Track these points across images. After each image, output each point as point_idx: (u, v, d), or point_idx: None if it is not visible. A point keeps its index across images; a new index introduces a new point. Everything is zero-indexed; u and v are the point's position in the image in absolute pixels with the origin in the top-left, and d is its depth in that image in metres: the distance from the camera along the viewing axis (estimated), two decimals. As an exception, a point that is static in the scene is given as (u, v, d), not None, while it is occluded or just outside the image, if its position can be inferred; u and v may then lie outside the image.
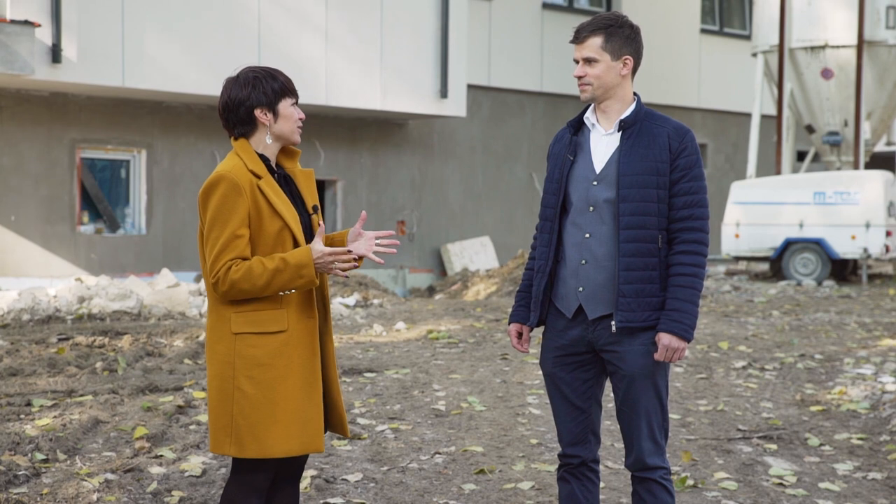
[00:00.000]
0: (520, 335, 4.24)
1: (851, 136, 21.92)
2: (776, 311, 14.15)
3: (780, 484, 5.92)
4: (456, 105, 18.22)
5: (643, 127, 4.00)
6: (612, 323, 3.95)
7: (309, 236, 3.81)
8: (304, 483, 5.55)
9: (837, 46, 21.44)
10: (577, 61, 4.02)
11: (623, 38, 3.98)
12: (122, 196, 16.59)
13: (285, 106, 3.77)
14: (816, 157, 24.15)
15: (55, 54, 13.98)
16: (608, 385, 4.39)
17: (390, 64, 17.35)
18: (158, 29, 14.93)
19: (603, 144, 4.04)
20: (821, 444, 6.78)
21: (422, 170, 19.87)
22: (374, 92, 17.21)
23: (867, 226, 18.52)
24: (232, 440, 3.67)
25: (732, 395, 8.20)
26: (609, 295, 3.97)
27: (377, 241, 3.85)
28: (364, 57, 17.05)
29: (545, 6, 21.81)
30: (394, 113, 18.07)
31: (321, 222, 3.82)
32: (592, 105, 4.09)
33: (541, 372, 4.25)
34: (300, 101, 3.84)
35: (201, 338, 10.03)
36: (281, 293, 3.70)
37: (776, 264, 19.47)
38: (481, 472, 5.89)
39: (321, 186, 18.78)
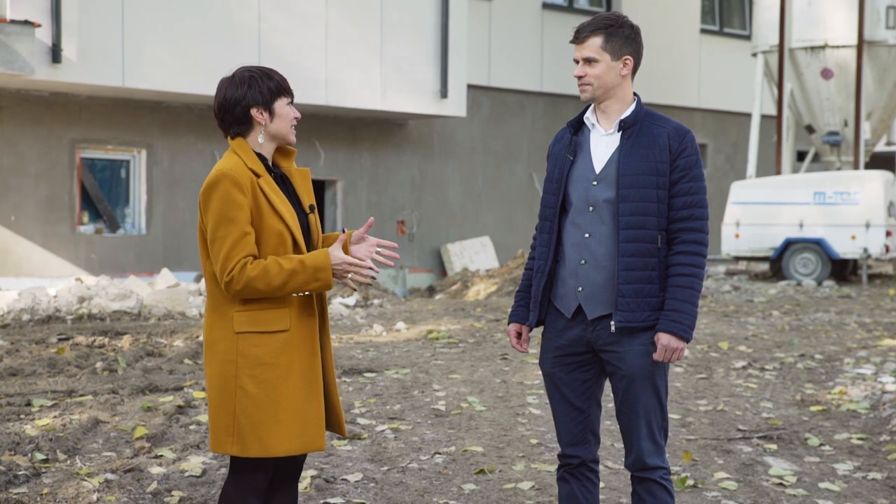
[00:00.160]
0: (519, 335, 4.24)
1: (851, 136, 21.92)
2: (776, 311, 14.15)
3: (780, 484, 5.93)
4: (456, 105, 18.22)
5: (643, 127, 4.00)
6: (612, 323, 3.95)
7: (306, 236, 3.81)
8: (304, 483, 5.55)
9: (837, 46, 21.45)
10: (577, 61, 4.02)
11: (623, 38, 3.98)
12: (122, 196, 16.59)
13: (281, 105, 3.77)
14: (816, 157, 24.15)
15: (55, 54, 13.98)
16: (608, 385, 4.39)
17: (390, 64, 17.35)
18: (158, 29, 14.93)
19: (603, 144, 4.04)
20: (821, 444, 6.78)
21: (422, 170, 19.88)
22: (374, 92, 17.21)
23: (867, 226, 18.52)
24: (234, 439, 3.67)
25: (732, 395, 8.20)
26: (608, 295, 3.97)
27: (378, 251, 3.84)
28: (364, 57, 17.05)
29: (545, 6, 21.81)
30: (394, 113, 18.07)
31: (345, 229, 3.82)
32: (592, 105, 4.09)
33: (540, 372, 4.24)
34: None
35: (201, 338, 10.03)
36: (294, 294, 3.70)
37: (776, 264, 19.47)
38: (481, 472, 5.90)
39: (321, 186, 18.78)
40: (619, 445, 6.39)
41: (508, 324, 4.27)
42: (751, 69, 23.55)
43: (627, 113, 4.02)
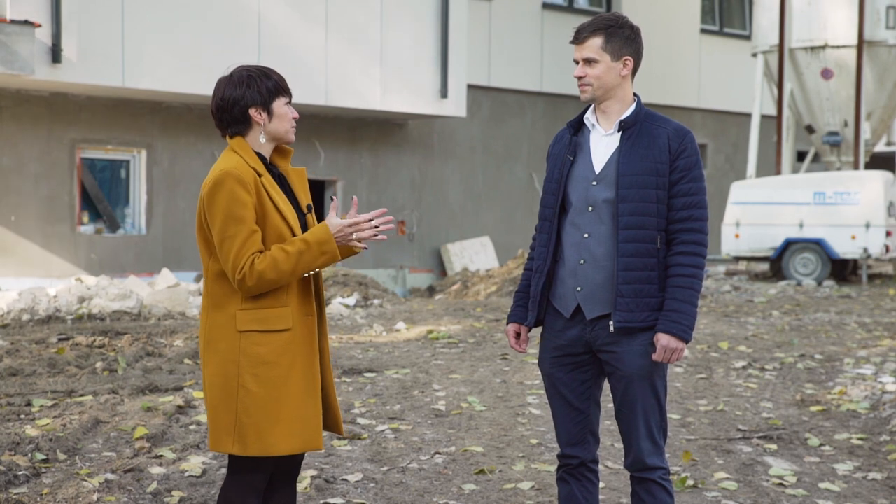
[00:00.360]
0: (518, 335, 4.24)
1: (851, 136, 21.92)
2: (776, 311, 14.15)
3: (780, 484, 5.93)
4: (456, 105, 18.22)
5: (643, 128, 4.00)
6: (611, 323, 3.95)
7: None
8: (304, 483, 5.56)
9: (837, 46, 21.45)
10: (577, 62, 4.02)
11: (623, 38, 3.98)
12: (122, 196, 16.59)
13: (279, 105, 3.77)
14: (816, 157, 24.15)
15: (55, 54, 13.98)
16: (607, 385, 4.38)
17: (390, 64, 17.35)
18: (158, 29, 14.93)
19: (603, 145, 4.04)
20: (821, 445, 6.78)
21: (422, 170, 19.88)
22: (374, 92, 17.21)
23: (867, 226, 18.52)
24: (235, 439, 3.67)
25: (732, 395, 8.20)
26: (607, 295, 3.97)
27: (373, 220, 3.79)
28: (364, 57, 17.05)
29: (545, 6, 21.81)
30: (394, 113, 18.07)
31: (333, 197, 3.82)
32: (592, 105, 4.09)
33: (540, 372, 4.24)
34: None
35: (201, 337, 10.02)
36: (305, 275, 3.70)
37: (776, 264, 19.47)
38: (481, 472, 5.90)
39: (321, 186, 18.79)
40: (619, 445, 6.39)
41: (507, 324, 4.27)
42: (751, 69, 23.55)
43: (627, 113, 4.02)
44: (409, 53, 17.60)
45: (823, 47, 21.52)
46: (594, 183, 4.00)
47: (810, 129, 22.41)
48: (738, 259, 19.94)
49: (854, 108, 21.53)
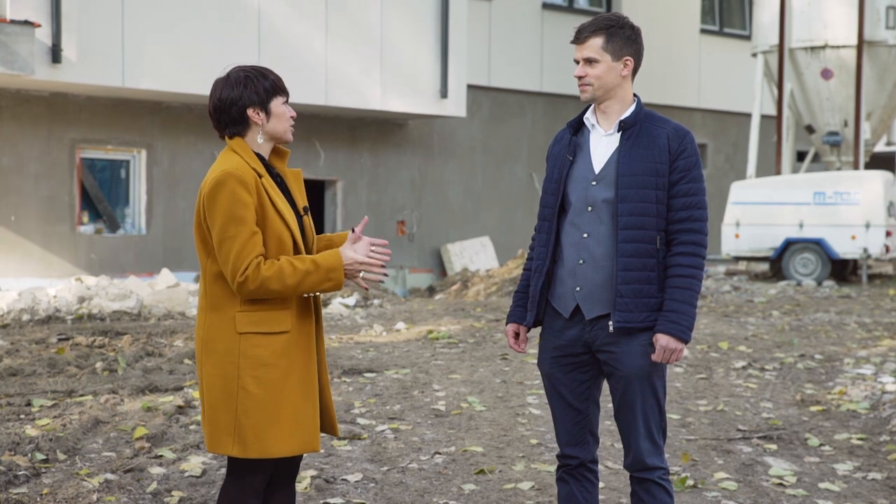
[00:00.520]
0: (517, 335, 4.24)
1: (851, 136, 21.92)
2: (776, 311, 14.15)
3: (780, 484, 5.93)
4: (456, 105, 18.22)
5: (643, 128, 4.00)
6: (610, 323, 3.95)
7: (302, 238, 3.80)
8: (304, 483, 5.56)
9: (837, 46, 21.45)
10: (577, 62, 4.02)
11: (624, 38, 3.98)
12: (122, 196, 16.59)
13: (277, 104, 3.76)
14: (816, 157, 24.15)
15: (55, 54, 13.98)
16: (607, 385, 4.38)
17: (390, 64, 17.35)
18: (158, 29, 14.93)
19: (602, 145, 4.04)
20: (821, 445, 6.78)
21: (422, 170, 19.88)
22: (374, 92, 17.22)
23: (867, 226, 18.52)
24: (234, 440, 3.66)
25: (732, 395, 8.20)
26: (607, 295, 3.97)
27: (372, 249, 3.82)
28: (364, 57, 17.05)
29: (545, 6, 21.81)
30: (394, 113, 18.07)
31: (354, 230, 3.81)
32: (592, 106, 4.09)
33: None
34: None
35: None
36: (305, 295, 3.70)
37: (776, 264, 19.47)
38: (481, 472, 5.90)
39: (321, 186, 18.79)
40: (619, 445, 6.39)
41: (506, 324, 4.27)
42: (751, 69, 23.55)
43: (627, 113, 4.02)
44: (409, 53, 17.60)
45: (823, 47, 21.52)
46: (594, 183, 4.00)
47: (810, 129, 22.41)
48: (738, 259, 19.94)
49: (854, 108, 21.53)
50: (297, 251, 3.73)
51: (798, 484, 5.94)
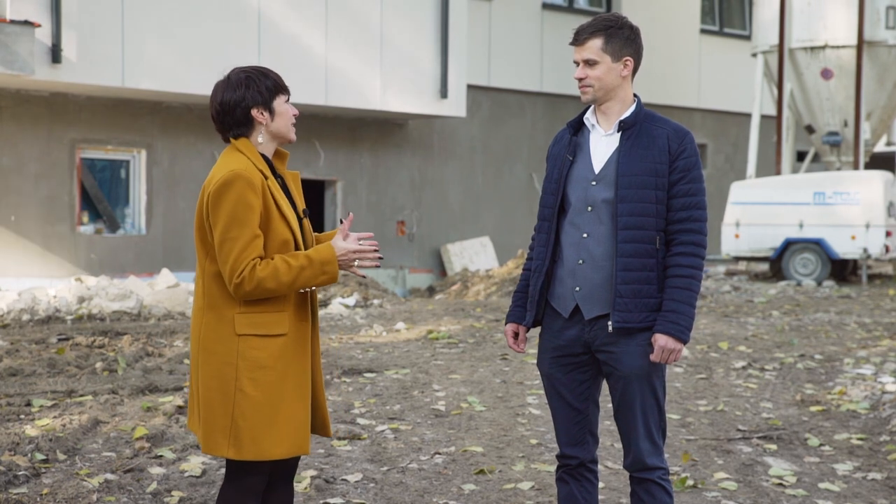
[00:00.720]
0: (516, 335, 4.24)
1: (851, 136, 21.92)
2: (776, 311, 14.15)
3: (780, 484, 5.93)
4: (456, 105, 18.22)
5: (643, 128, 4.00)
6: (609, 323, 3.95)
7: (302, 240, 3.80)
8: (304, 483, 5.56)
9: (837, 46, 21.45)
10: (577, 63, 4.02)
11: (623, 39, 3.97)
12: (121, 196, 16.59)
13: (280, 103, 3.76)
14: (816, 157, 24.15)
15: (55, 54, 13.98)
16: (606, 385, 4.38)
17: (390, 64, 17.35)
18: (158, 29, 14.94)
19: (602, 145, 4.04)
20: (821, 445, 6.78)
21: (422, 170, 19.88)
22: (374, 92, 17.22)
23: (867, 226, 18.52)
24: (230, 442, 3.66)
25: (732, 395, 8.20)
26: (606, 295, 3.97)
27: (360, 242, 3.82)
28: (364, 57, 17.05)
29: (545, 6, 21.81)
30: (394, 113, 18.07)
31: (343, 220, 3.81)
32: (592, 106, 4.09)
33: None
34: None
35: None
36: (301, 290, 3.70)
37: (776, 264, 19.47)
38: (481, 472, 5.90)
39: (321, 186, 18.79)
40: (619, 445, 6.39)
41: (505, 324, 4.27)
42: (751, 69, 23.55)
43: (627, 114, 4.02)
44: (409, 53, 17.60)
45: (823, 47, 21.52)
46: (593, 183, 4.00)
47: (810, 129, 22.41)
48: (738, 259, 19.94)
49: (854, 108, 21.53)
50: (297, 253, 3.73)
51: (798, 484, 5.94)
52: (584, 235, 4.00)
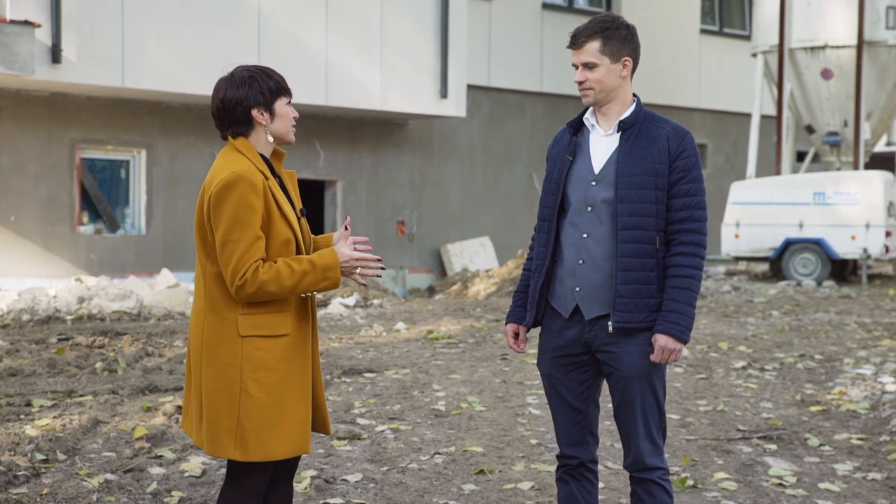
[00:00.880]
0: (516, 335, 4.24)
1: (851, 137, 21.92)
2: (776, 311, 14.15)
3: (780, 484, 5.93)
4: (456, 105, 18.22)
5: (642, 128, 4.00)
6: (609, 323, 3.95)
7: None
8: (304, 483, 5.56)
9: (837, 46, 21.45)
10: (575, 66, 4.01)
11: (620, 39, 3.97)
12: (121, 196, 16.59)
13: (281, 105, 3.75)
14: (816, 158, 24.15)
15: (55, 54, 13.98)
16: (606, 385, 4.38)
17: (390, 64, 17.36)
18: (158, 29, 14.94)
19: (602, 145, 4.04)
20: (821, 445, 6.78)
21: (422, 170, 19.88)
22: (374, 92, 17.22)
23: (867, 226, 18.52)
24: (236, 444, 3.65)
25: (732, 395, 8.20)
26: (606, 295, 3.97)
27: (357, 246, 3.82)
28: (364, 57, 17.05)
29: (545, 6, 21.81)
30: (394, 113, 18.07)
31: (347, 226, 3.81)
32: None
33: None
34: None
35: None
36: (302, 295, 3.70)
37: (776, 264, 19.47)
38: (481, 472, 5.90)
39: (321, 187, 18.78)
40: (619, 445, 6.39)
41: (506, 324, 4.27)
42: (751, 69, 23.55)
43: (627, 114, 4.02)
44: (409, 53, 17.61)
45: (823, 47, 21.51)
46: (593, 183, 4.00)
47: (810, 129, 22.41)
48: (737, 259, 19.93)
49: (854, 108, 21.53)
50: (298, 253, 3.73)
51: (798, 484, 5.94)
52: (584, 236, 4.00)
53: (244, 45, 15.63)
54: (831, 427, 7.27)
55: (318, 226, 18.18)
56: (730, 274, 21.21)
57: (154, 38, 14.92)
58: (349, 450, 6.26)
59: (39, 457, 5.82)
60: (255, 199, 3.59)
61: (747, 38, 25.34)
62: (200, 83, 15.06)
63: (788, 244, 19.07)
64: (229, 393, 3.65)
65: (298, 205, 3.86)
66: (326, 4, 16.66)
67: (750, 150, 22.22)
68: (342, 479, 5.70)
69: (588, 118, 4.09)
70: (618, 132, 4.01)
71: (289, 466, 3.91)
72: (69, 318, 11.66)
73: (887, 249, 18.56)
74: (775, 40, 21.71)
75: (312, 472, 5.73)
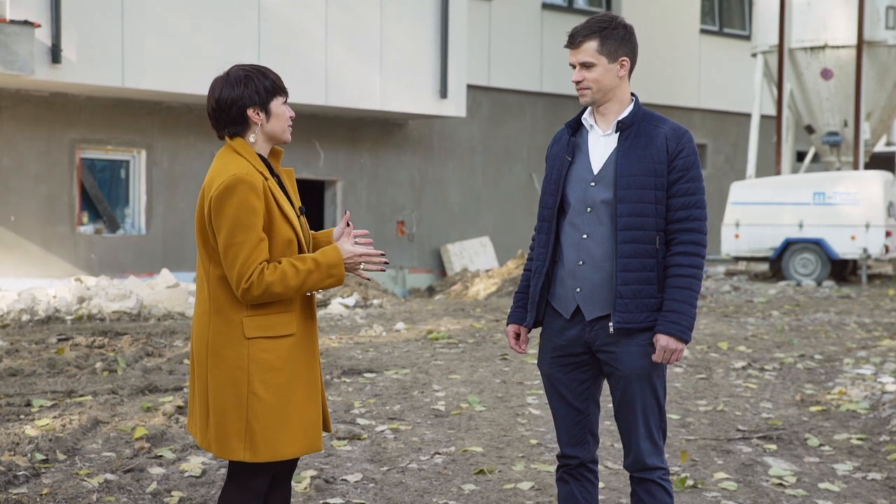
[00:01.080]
0: (517, 336, 4.24)
1: (851, 137, 21.92)
2: (776, 311, 14.15)
3: (780, 484, 5.93)
4: (456, 105, 18.22)
5: (641, 128, 4.00)
6: (610, 324, 3.95)
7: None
8: (304, 483, 5.56)
9: (837, 46, 21.45)
10: (573, 66, 4.01)
11: (618, 39, 3.97)
12: (121, 196, 16.59)
13: (277, 104, 3.74)
14: (816, 157, 24.15)
15: (55, 54, 13.98)
16: (607, 385, 4.38)
17: (390, 64, 17.36)
18: (158, 29, 14.93)
19: (601, 145, 4.04)
20: (820, 445, 6.78)
21: (422, 170, 19.88)
22: (373, 92, 17.22)
23: (867, 226, 18.52)
24: (245, 445, 3.65)
25: (732, 395, 8.20)
26: (606, 296, 3.96)
27: (357, 240, 3.82)
28: (364, 57, 17.05)
29: (545, 6, 21.81)
30: (394, 113, 18.07)
31: (348, 222, 3.81)
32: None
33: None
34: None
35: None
36: (308, 293, 3.70)
37: (776, 264, 19.47)
38: (481, 472, 5.90)
39: (321, 187, 18.78)
40: (619, 445, 6.39)
41: (507, 325, 4.27)
42: (751, 69, 23.55)
43: (625, 114, 4.02)
44: (409, 53, 17.61)
45: (823, 47, 21.51)
46: (592, 184, 4.00)
47: (810, 129, 22.41)
48: (737, 259, 19.93)
49: (854, 108, 21.53)
50: (300, 251, 3.73)
51: (798, 484, 5.94)
52: (584, 236, 4.00)
53: (244, 45, 15.63)
54: (831, 427, 7.27)
55: (318, 226, 18.18)
56: (730, 274, 21.21)
57: (154, 38, 14.91)
58: (349, 450, 6.26)
59: (39, 457, 5.82)
60: (256, 201, 3.58)
61: (747, 38, 25.34)
62: (200, 83, 15.04)
63: (788, 244, 19.07)
64: (237, 395, 3.64)
65: (297, 203, 3.85)
66: (326, 4, 16.66)
67: (750, 150, 22.22)
68: (342, 479, 5.70)
69: (586, 118, 4.09)
70: (616, 132, 4.01)
71: (289, 466, 3.92)
72: (69, 318, 11.66)
73: (887, 249, 18.56)
74: (775, 40, 21.71)
75: (312, 472, 5.73)
